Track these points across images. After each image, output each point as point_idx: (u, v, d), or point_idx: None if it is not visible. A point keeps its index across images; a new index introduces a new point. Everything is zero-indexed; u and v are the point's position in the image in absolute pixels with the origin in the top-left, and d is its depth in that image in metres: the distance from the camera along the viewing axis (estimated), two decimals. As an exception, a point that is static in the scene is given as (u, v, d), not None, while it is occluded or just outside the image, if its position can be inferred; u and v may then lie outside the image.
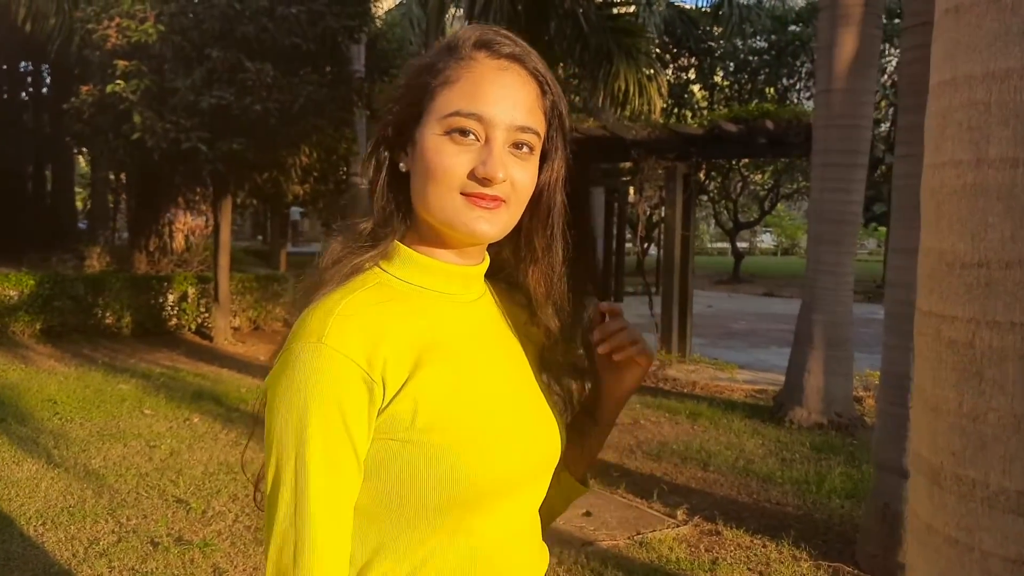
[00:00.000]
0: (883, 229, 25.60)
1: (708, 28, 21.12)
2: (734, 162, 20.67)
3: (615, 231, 18.41)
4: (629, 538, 4.14)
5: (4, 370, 7.92)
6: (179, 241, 14.52)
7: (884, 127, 18.98)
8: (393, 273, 0.97)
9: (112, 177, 20.07)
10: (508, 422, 0.96)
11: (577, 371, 1.10)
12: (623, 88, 10.81)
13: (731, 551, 4.02)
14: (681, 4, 20.99)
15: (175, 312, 10.87)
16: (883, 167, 12.32)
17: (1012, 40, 1.21)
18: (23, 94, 19.36)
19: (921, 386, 1.40)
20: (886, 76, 18.39)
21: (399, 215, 0.97)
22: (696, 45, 21.16)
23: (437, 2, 10.68)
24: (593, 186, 15.49)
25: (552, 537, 4.22)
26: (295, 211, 26.63)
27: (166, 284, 10.96)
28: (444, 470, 0.88)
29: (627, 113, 11.25)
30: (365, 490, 0.89)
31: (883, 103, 18.98)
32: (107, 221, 20.41)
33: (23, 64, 18.64)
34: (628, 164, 12.19)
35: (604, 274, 17.52)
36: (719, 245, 44.11)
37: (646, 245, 22.41)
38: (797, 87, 21.83)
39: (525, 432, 0.98)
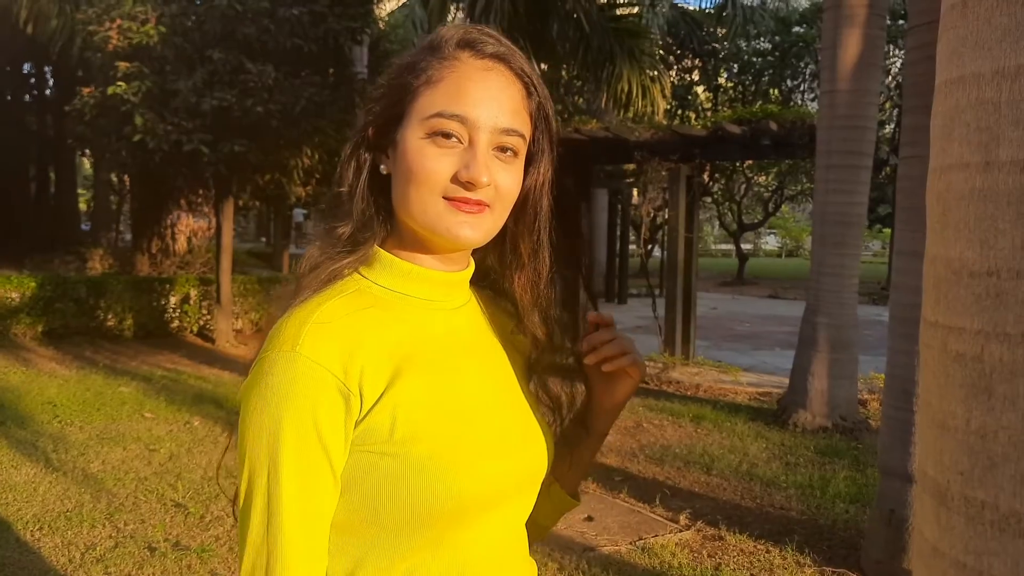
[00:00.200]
0: (888, 231, 25.50)
1: (712, 29, 21.14)
2: (738, 164, 20.61)
3: (619, 233, 18.38)
4: (631, 543, 4.09)
5: (5, 373, 7.90)
6: (181, 243, 14.54)
7: (888, 128, 18.94)
8: (373, 279, 0.93)
9: (114, 179, 20.11)
10: (492, 433, 0.92)
11: (566, 377, 1.06)
12: (626, 90, 10.80)
13: (734, 556, 3.98)
14: (684, 5, 21.05)
15: (177, 314, 10.86)
16: (888, 168, 12.27)
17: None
18: (26, 96, 19.39)
19: (927, 400, 1.34)
20: (890, 78, 18.34)
21: (379, 219, 0.94)
22: (700, 46, 21.16)
23: (438, 3, 10.65)
24: (596, 188, 15.48)
25: (553, 542, 4.16)
26: (298, 212, 26.61)
27: (168, 286, 10.95)
28: (424, 483, 0.84)
29: (631, 115, 11.22)
30: (343, 504, 0.85)
31: (887, 104, 18.94)
32: (110, 223, 20.47)
33: (26, 66, 18.67)
34: (632, 166, 12.16)
35: (607, 276, 17.51)
36: (723, 247, 44.08)
37: (650, 247, 22.40)
38: (801, 88, 21.80)
39: (510, 443, 0.94)
